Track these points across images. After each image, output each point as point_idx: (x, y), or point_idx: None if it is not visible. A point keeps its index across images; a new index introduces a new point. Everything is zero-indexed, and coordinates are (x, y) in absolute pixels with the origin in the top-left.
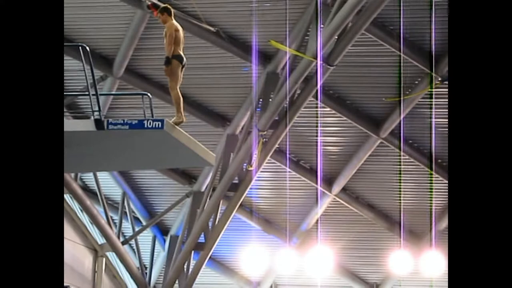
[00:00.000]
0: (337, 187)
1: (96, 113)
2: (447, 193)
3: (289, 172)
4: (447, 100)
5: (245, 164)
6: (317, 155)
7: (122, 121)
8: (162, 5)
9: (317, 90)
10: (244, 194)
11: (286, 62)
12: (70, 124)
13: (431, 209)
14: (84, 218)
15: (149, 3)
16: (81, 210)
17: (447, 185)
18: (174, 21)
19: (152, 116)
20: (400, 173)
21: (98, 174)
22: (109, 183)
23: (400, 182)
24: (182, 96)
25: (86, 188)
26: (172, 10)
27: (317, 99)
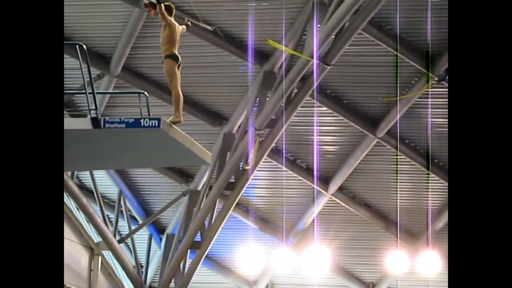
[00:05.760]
0: (333, 187)
1: (93, 111)
2: (443, 193)
3: (286, 171)
4: (443, 99)
5: (241, 163)
6: (313, 154)
7: (118, 120)
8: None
9: (314, 89)
10: (241, 193)
11: (283, 61)
12: (67, 123)
13: (427, 208)
14: (80, 216)
15: (146, 1)
16: (77, 208)
17: (443, 184)
18: (172, 20)
19: (149, 115)
20: (396, 173)
21: (95, 172)
22: (105, 182)
23: (396, 182)
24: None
25: (82, 186)
26: (174, 10)
27: (313, 98)
